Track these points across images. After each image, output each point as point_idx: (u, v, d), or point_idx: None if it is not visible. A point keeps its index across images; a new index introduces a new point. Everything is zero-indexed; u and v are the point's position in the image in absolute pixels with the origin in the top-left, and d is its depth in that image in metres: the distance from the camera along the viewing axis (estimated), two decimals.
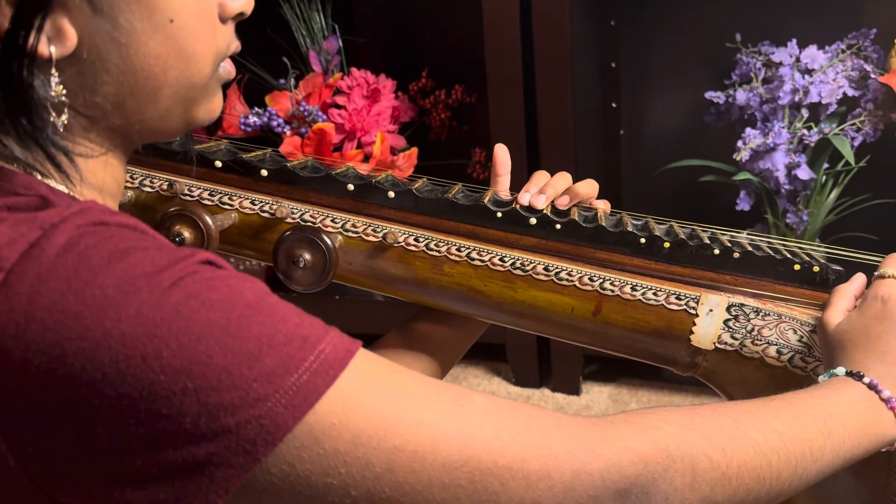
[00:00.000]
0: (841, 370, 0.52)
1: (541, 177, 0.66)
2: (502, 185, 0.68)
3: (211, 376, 0.33)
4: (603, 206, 0.67)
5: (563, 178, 0.66)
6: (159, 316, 0.33)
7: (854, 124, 1.30)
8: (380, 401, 0.36)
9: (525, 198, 0.64)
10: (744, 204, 1.38)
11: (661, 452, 0.40)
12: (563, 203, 0.64)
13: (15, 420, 0.33)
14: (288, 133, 1.44)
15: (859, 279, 0.60)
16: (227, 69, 0.47)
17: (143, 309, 0.33)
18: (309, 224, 0.63)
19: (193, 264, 0.36)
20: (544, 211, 0.63)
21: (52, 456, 0.33)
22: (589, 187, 0.66)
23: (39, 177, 0.39)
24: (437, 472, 0.36)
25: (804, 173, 1.32)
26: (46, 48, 0.38)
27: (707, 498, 0.42)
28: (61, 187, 0.40)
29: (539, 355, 1.60)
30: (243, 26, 0.48)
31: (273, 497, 0.35)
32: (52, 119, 0.39)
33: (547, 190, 0.64)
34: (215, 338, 0.33)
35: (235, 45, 0.47)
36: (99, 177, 0.43)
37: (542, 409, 0.41)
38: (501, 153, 0.69)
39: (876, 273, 0.59)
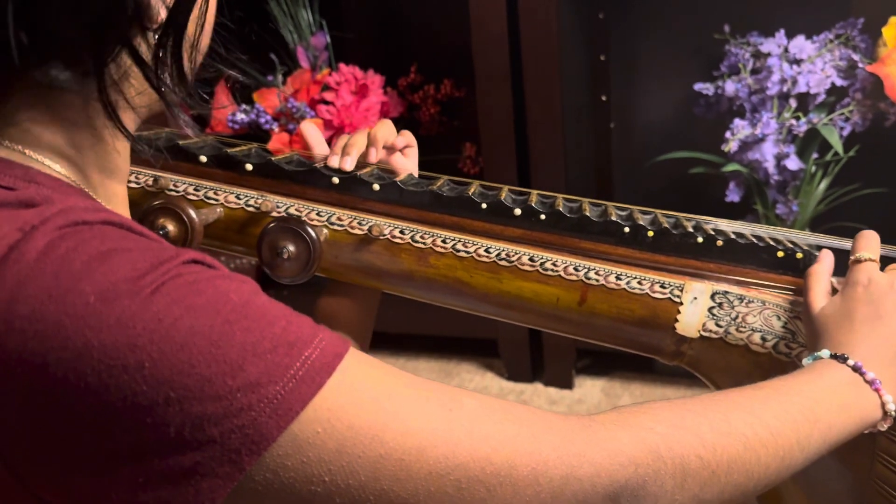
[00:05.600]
0: (825, 353, 0.52)
1: (342, 139, 0.67)
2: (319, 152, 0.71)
3: (193, 386, 0.32)
4: (407, 140, 0.70)
5: (363, 136, 0.67)
6: (141, 324, 0.32)
7: (842, 114, 1.30)
8: (366, 408, 0.35)
9: (334, 160, 0.65)
10: (733, 195, 1.38)
11: (651, 455, 0.40)
12: (372, 157, 0.66)
13: (2, 426, 0.33)
14: (276, 130, 1.44)
15: (828, 258, 0.61)
16: None
17: (125, 317, 0.32)
18: (294, 216, 0.63)
19: (178, 266, 0.35)
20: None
21: (40, 461, 0.33)
22: (385, 129, 0.68)
23: (45, 160, 0.40)
24: (423, 480, 0.35)
25: (793, 163, 1.32)
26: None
27: (696, 497, 0.41)
28: (63, 174, 0.40)
29: (531, 350, 1.60)
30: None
31: None
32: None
33: (350, 150, 0.65)
34: (198, 346, 0.33)
35: None
36: (119, 158, 0.44)
37: (534, 411, 0.40)
38: (307, 128, 0.71)
39: (852, 258, 0.59)
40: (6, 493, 0.34)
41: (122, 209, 0.45)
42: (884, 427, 0.51)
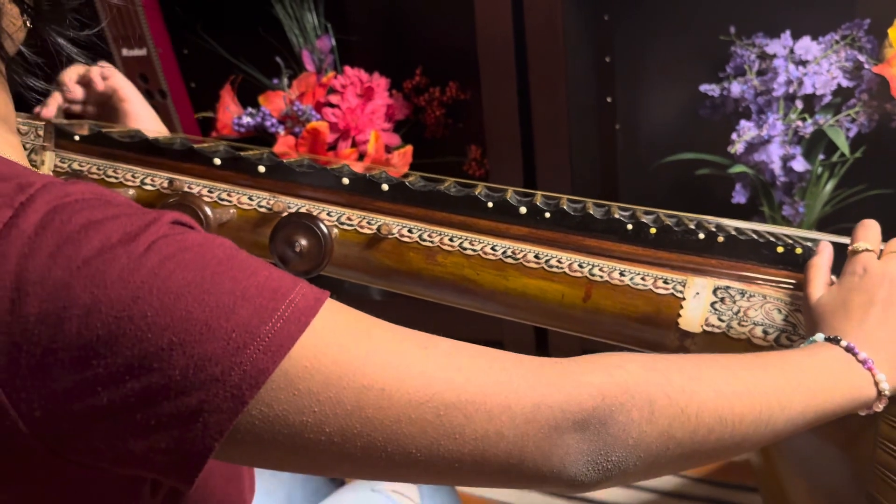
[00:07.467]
0: (819, 336, 0.54)
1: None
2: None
3: (193, 330, 0.35)
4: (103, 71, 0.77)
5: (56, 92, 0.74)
6: (139, 278, 0.36)
7: (849, 115, 1.31)
8: (348, 345, 0.39)
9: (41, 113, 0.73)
10: (739, 197, 1.39)
11: (619, 388, 0.43)
12: (73, 95, 0.74)
13: (22, 389, 0.35)
14: (282, 133, 1.45)
15: (827, 249, 0.62)
16: None
17: (125, 274, 0.36)
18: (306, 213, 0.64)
19: (164, 226, 0.38)
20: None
21: (59, 418, 0.36)
22: (70, 70, 0.75)
23: None
24: (404, 407, 0.39)
25: (799, 165, 1.33)
26: None
27: (665, 432, 0.43)
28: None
29: (537, 351, 1.60)
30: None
31: (255, 438, 0.37)
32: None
33: (49, 102, 0.73)
34: (193, 295, 0.36)
35: None
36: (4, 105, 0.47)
37: (506, 353, 0.43)
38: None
39: (849, 248, 0.60)
40: (34, 458, 0.36)
41: (22, 159, 0.48)
42: (879, 407, 0.51)
